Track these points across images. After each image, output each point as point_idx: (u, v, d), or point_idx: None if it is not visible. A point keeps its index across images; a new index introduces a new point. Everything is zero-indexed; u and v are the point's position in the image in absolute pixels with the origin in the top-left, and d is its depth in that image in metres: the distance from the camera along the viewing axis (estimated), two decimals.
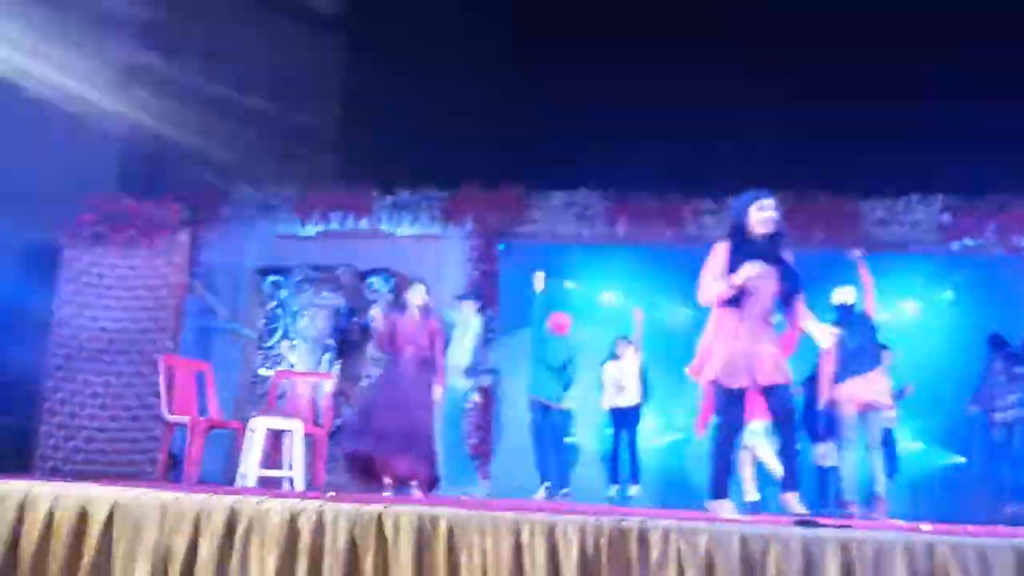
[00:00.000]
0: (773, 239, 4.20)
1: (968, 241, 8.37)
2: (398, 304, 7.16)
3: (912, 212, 8.48)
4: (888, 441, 7.32)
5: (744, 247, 4.15)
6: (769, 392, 4.15)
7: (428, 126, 11.95)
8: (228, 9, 10.14)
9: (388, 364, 6.48)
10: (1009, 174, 9.29)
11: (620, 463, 8.02)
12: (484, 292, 8.42)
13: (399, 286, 8.54)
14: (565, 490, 7.32)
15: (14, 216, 7.78)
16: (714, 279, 4.15)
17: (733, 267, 4.07)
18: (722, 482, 4.17)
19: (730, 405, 4.16)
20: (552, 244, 8.88)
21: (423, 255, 8.71)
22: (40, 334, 8.62)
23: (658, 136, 11.70)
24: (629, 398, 8.03)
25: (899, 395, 7.31)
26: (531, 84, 11.41)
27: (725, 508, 4.12)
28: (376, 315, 7.45)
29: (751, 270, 4.01)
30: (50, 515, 2.97)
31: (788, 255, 4.26)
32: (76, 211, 8.89)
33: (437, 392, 6.34)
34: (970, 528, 3.52)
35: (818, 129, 11.72)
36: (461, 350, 7.44)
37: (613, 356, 8.18)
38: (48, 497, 3.00)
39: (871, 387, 6.02)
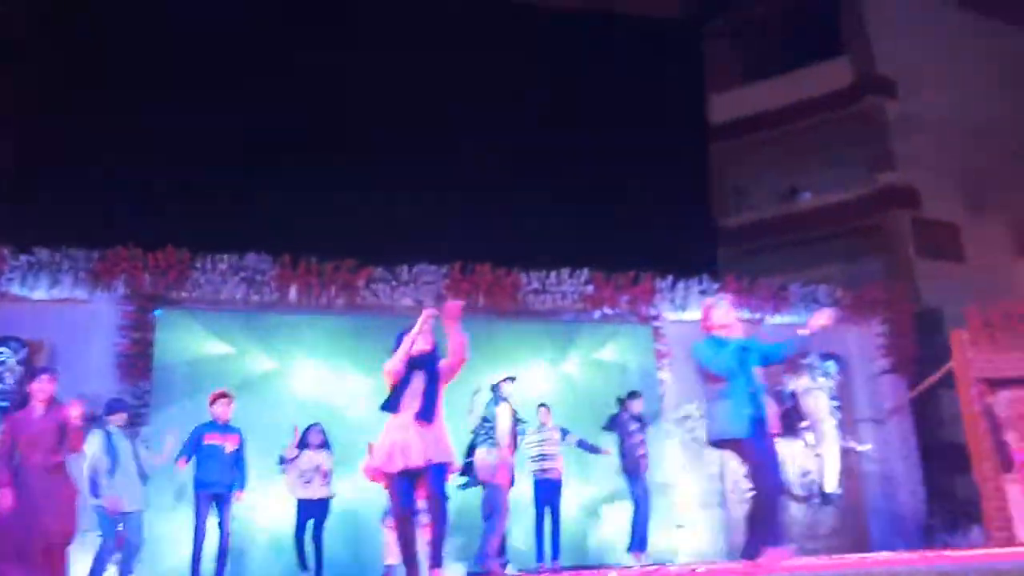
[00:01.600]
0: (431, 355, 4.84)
1: (607, 310, 9.38)
2: (24, 383, 6.06)
3: (562, 283, 9.32)
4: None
5: (413, 360, 4.78)
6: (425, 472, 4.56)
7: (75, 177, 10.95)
8: None
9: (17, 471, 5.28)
10: (643, 250, 10.67)
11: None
12: (136, 363, 7.73)
13: (32, 356, 7.52)
14: None
15: None
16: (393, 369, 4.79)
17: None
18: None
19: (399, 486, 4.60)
20: (216, 311, 8.42)
21: (63, 322, 7.78)
22: None
23: (337, 203, 11.88)
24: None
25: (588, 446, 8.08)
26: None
27: None
28: None
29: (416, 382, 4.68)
30: None
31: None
32: None
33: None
34: None
35: (470, 205, 12.66)
36: None
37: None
38: None
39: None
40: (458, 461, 5.33)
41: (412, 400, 4.61)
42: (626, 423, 8.11)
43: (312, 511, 7.66)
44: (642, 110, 14.27)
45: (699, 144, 16.20)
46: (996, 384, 9.03)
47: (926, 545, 9.00)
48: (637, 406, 8.25)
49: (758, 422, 4.58)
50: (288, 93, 12.45)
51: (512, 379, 7.26)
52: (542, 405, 8.19)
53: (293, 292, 8.54)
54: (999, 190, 15.84)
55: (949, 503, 9.80)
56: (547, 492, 7.82)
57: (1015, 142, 15.85)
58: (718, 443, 4.78)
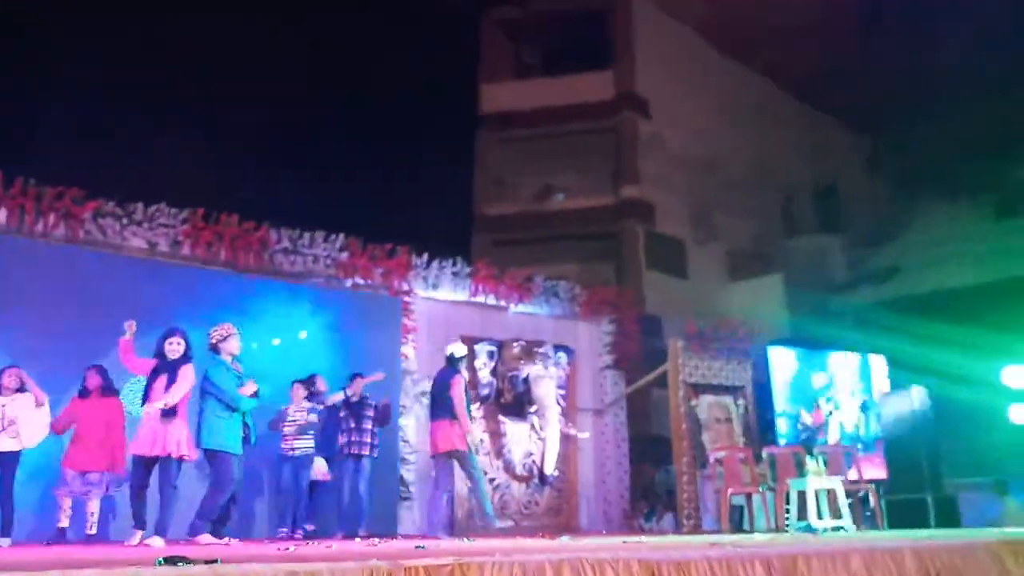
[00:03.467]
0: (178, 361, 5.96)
1: (359, 279, 9.20)
2: None
3: (315, 246, 8.99)
4: None
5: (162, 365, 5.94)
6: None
7: None
8: None
9: None
10: (401, 225, 10.60)
11: None
12: None
13: None
14: None
15: None
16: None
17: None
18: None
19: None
20: None
21: None
22: None
23: (75, 134, 10.70)
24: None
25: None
26: None
27: None
28: None
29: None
30: None
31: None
32: None
33: None
34: None
35: (231, 155, 12.01)
36: None
37: None
38: None
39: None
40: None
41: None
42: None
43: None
44: (418, 88, 14.26)
45: (468, 131, 16.47)
46: (700, 389, 10.06)
47: (626, 529, 9.82)
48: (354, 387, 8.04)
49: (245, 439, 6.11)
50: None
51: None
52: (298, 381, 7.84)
53: (3, 214, 7.47)
54: (721, 217, 17.70)
55: (650, 492, 10.78)
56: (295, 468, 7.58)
57: (736, 176, 17.80)
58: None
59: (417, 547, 4.24)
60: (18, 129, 10.70)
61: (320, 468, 7.80)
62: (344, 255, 9.14)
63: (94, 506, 6.52)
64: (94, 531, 6.49)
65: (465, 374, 7.66)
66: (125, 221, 8.08)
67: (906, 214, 18.63)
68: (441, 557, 3.04)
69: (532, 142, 16.70)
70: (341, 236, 9.18)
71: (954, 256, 15.97)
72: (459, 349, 7.64)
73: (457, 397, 7.11)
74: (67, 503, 6.48)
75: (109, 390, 6.73)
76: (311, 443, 7.62)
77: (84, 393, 6.67)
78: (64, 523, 6.44)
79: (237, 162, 11.92)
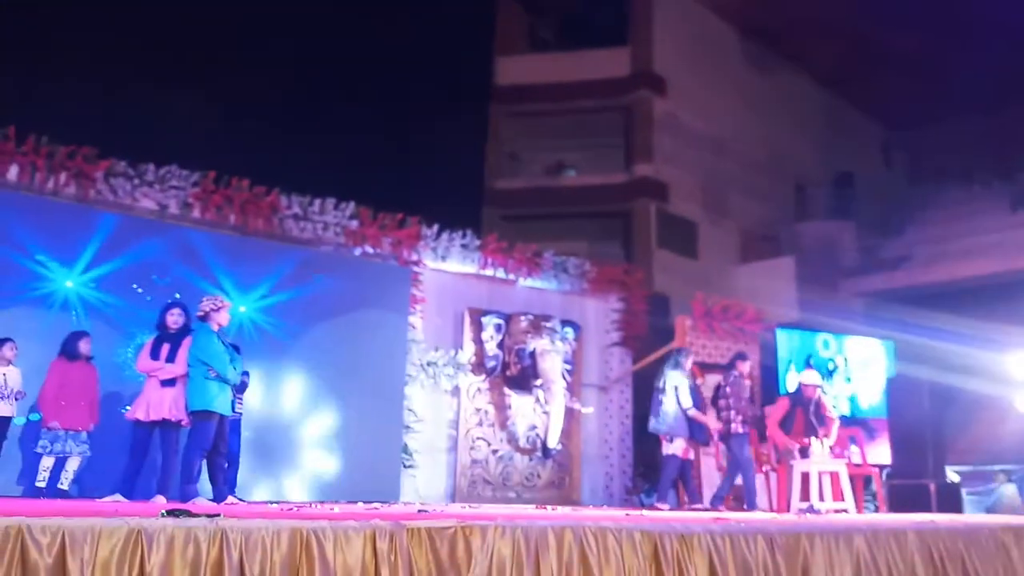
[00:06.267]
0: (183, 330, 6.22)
1: (368, 248, 9.18)
2: None
3: (325, 213, 8.97)
4: None
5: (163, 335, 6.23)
6: None
7: None
8: None
9: None
10: (412, 195, 10.58)
11: None
12: None
13: None
14: None
15: None
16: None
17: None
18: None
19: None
20: None
21: None
22: None
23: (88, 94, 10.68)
24: None
25: None
26: None
27: None
28: None
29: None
30: None
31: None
32: None
33: None
34: None
35: (245, 119, 11.98)
36: None
37: None
38: None
39: None
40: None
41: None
42: None
43: None
44: (432, 57, 14.14)
45: (482, 104, 16.36)
46: (706, 368, 10.04)
47: (627, 504, 9.85)
48: None
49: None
50: None
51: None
52: None
53: (14, 170, 7.46)
54: (734, 199, 17.60)
55: (652, 468, 10.79)
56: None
57: (750, 159, 17.68)
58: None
59: (420, 510, 4.26)
60: (32, 87, 10.65)
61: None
62: (354, 223, 9.11)
63: (74, 464, 6.49)
64: (66, 487, 6.47)
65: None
66: (136, 182, 8.06)
67: (919, 204, 18.50)
68: (444, 520, 3.04)
69: (545, 117, 16.59)
70: (352, 204, 9.14)
71: (966, 247, 15.86)
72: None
73: None
74: (48, 462, 6.42)
75: (92, 359, 6.74)
76: None
77: (73, 356, 6.62)
78: (42, 483, 6.41)
79: (251, 128, 11.88)
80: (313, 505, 5.94)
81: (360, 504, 6.76)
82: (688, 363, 8.36)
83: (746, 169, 17.51)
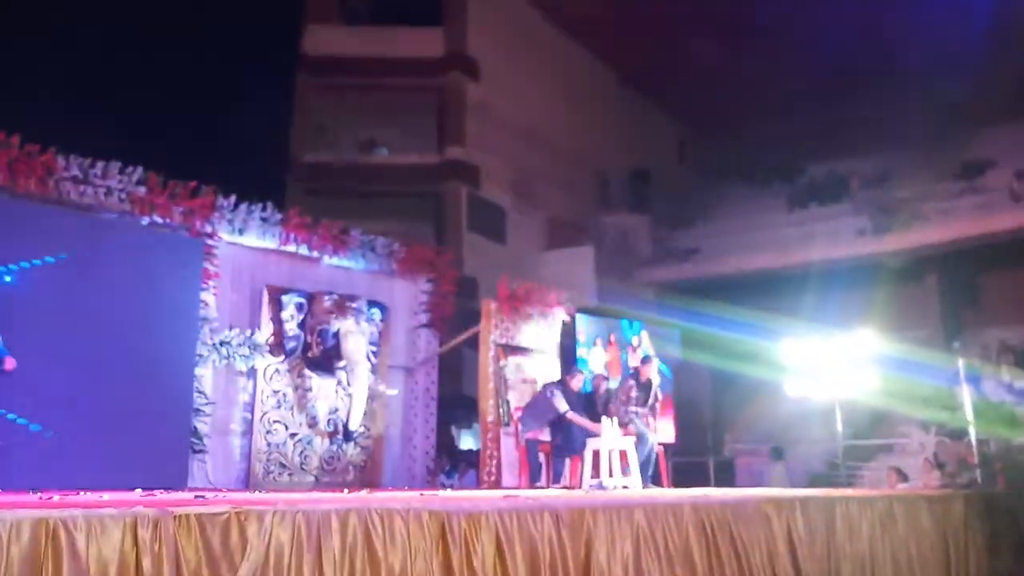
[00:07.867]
0: None
1: (157, 218, 8.53)
2: None
3: (108, 178, 8.24)
4: None
5: None
6: None
7: None
8: None
9: None
10: (209, 163, 9.93)
11: None
12: None
13: None
14: None
15: None
16: None
17: None
18: None
19: None
20: None
21: None
22: None
23: None
24: None
25: None
26: None
27: None
28: None
29: None
30: None
31: None
32: None
33: None
34: None
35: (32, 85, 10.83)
36: None
37: None
38: None
39: None
40: None
41: None
42: None
43: None
44: (237, 20, 13.39)
45: (289, 72, 15.70)
46: (509, 350, 10.23)
47: (428, 485, 9.86)
48: None
49: None
50: None
51: None
52: None
53: None
54: (541, 187, 18.06)
55: (453, 449, 10.88)
56: None
57: (558, 149, 18.21)
58: None
59: (197, 496, 3.99)
60: None
61: None
62: (141, 190, 8.42)
63: None
64: None
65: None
66: None
67: (710, 200, 19.88)
68: (216, 506, 2.85)
69: (357, 92, 16.19)
70: (139, 169, 8.44)
71: (747, 242, 17.22)
72: None
73: None
74: None
75: None
76: None
77: None
78: None
79: (35, 92, 10.76)
80: (83, 494, 5.43)
81: (138, 491, 6.28)
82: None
83: (554, 159, 18.00)
